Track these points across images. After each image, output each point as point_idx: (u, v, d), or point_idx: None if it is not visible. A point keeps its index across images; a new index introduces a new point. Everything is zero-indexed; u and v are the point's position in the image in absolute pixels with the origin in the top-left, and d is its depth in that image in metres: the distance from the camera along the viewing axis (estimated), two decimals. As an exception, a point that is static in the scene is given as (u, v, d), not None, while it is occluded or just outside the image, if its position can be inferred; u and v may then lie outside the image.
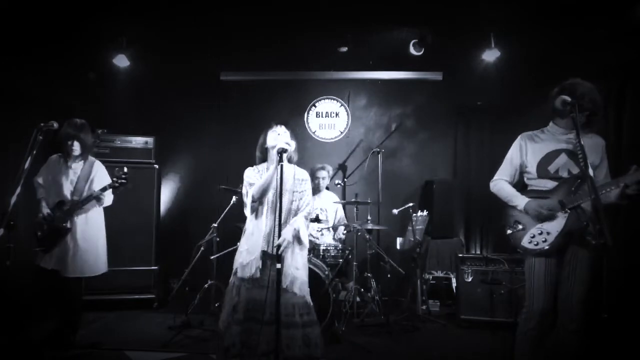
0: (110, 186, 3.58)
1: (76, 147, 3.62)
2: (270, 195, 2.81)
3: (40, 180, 3.70)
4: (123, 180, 3.57)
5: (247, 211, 2.86)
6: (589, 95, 2.54)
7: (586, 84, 2.59)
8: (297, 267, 2.74)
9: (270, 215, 2.79)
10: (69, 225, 3.58)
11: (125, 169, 3.60)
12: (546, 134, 2.76)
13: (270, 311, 2.59)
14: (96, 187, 3.66)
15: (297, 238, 2.76)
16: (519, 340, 2.70)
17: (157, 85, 5.58)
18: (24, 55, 4.58)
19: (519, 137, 2.82)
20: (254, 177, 2.85)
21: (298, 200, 2.85)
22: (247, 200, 2.83)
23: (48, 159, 3.75)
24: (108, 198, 3.72)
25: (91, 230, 3.69)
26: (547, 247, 2.59)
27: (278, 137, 2.83)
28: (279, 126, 2.91)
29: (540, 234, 2.62)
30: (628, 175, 2.43)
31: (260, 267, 2.69)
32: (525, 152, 2.76)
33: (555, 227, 2.60)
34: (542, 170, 2.70)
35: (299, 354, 2.61)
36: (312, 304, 2.75)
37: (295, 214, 2.84)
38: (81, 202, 3.60)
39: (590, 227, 2.50)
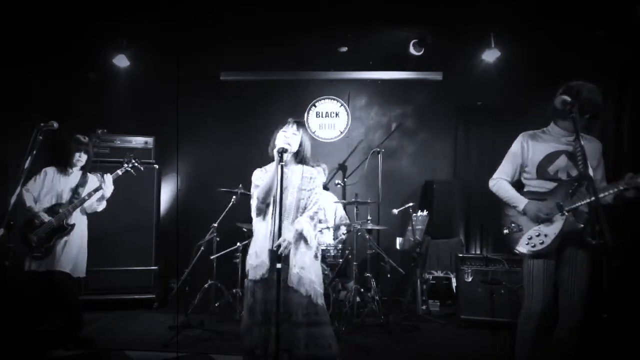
0: (98, 188, 3.74)
1: (82, 159, 3.83)
2: (277, 195, 2.76)
3: (31, 189, 3.72)
4: (134, 163, 3.90)
5: (254, 213, 2.81)
6: (590, 97, 2.53)
7: (589, 86, 2.58)
8: (302, 267, 2.68)
9: (277, 214, 2.75)
10: (71, 221, 3.71)
11: (132, 155, 4.01)
12: (547, 134, 2.75)
13: (281, 310, 2.56)
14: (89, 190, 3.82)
15: (301, 238, 2.70)
16: (518, 340, 2.70)
17: (157, 85, 5.58)
18: (24, 55, 4.59)
19: (520, 136, 2.81)
20: (260, 179, 2.78)
21: (306, 198, 2.78)
22: (253, 202, 2.79)
23: (42, 171, 3.80)
24: (108, 188, 3.80)
25: (78, 230, 3.79)
26: (543, 249, 2.59)
27: (286, 138, 2.74)
28: (290, 126, 2.81)
29: (538, 235, 2.63)
30: (623, 181, 2.45)
31: (270, 267, 2.65)
32: (527, 151, 2.74)
33: (552, 229, 2.60)
34: (542, 171, 2.69)
35: (304, 354, 2.58)
36: (321, 303, 2.69)
37: (303, 213, 2.79)
38: (80, 202, 3.70)
39: (588, 229, 2.51)
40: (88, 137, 3.89)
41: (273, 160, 2.80)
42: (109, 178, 3.75)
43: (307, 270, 2.69)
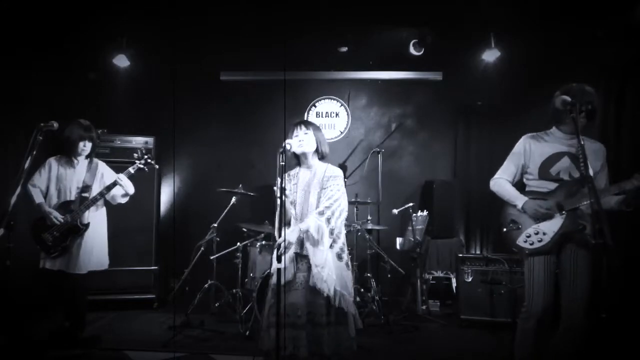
0: (110, 187, 3.63)
1: (87, 147, 3.70)
2: (297, 197, 2.76)
3: (38, 184, 3.64)
4: (147, 159, 3.69)
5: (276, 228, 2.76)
6: (586, 98, 2.54)
7: (583, 87, 2.59)
8: (322, 266, 2.61)
9: (298, 217, 2.75)
10: (86, 221, 3.64)
11: (144, 150, 3.76)
12: (550, 137, 2.76)
13: (305, 312, 2.59)
14: (107, 182, 3.71)
15: (308, 237, 2.66)
16: (518, 340, 2.70)
17: (157, 85, 5.58)
18: (24, 55, 4.58)
19: (523, 138, 2.82)
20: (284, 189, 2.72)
21: (323, 195, 2.75)
22: (277, 220, 2.70)
23: (46, 162, 3.70)
24: (129, 187, 3.75)
25: (97, 225, 3.74)
26: (542, 247, 2.60)
27: (300, 142, 2.75)
28: (298, 128, 2.80)
29: (537, 233, 2.64)
30: (630, 181, 2.44)
31: (295, 270, 2.65)
32: (529, 153, 2.76)
33: (551, 227, 2.61)
34: (544, 171, 2.70)
35: (327, 354, 2.57)
36: (342, 306, 2.63)
37: None
38: (92, 201, 3.63)
39: (588, 229, 2.51)
40: (89, 124, 3.71)
41: (295, 166, 2.86)
42: (124, 178, 3.64)
43: (326, 269, 2.62)
